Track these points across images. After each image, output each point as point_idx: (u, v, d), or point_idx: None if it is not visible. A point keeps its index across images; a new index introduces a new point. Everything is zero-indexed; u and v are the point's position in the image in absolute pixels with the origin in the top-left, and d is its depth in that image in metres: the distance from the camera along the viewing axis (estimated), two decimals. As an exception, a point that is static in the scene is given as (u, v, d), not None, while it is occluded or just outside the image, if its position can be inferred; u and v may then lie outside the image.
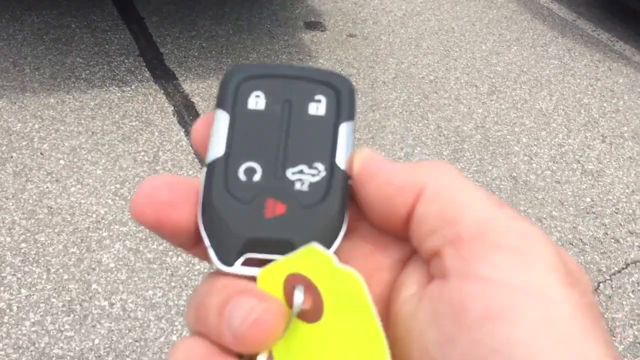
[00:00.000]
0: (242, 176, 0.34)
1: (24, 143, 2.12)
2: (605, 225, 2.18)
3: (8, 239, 1.83)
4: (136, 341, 1.65)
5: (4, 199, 1.93)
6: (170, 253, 1.86)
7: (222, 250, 0.33)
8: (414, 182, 0.32)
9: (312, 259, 0.31)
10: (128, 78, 2.51)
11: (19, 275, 1.75)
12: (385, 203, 0.32)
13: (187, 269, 1.81)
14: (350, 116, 0.37)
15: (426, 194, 0.31)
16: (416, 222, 0.31)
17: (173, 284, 1.77)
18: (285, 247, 0.33)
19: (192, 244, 0.34)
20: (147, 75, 2.54)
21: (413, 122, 2.51)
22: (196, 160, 2.16)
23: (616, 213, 2.22)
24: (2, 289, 1.71)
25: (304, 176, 0.34)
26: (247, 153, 0.35)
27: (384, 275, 0.34)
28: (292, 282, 0.32)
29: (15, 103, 2.29)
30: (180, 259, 1.84)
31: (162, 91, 2.47)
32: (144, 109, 2.36)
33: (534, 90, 2.81)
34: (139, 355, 1.63)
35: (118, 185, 2.03)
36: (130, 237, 1.88)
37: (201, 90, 2.51)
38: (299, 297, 0.31)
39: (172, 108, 2.39)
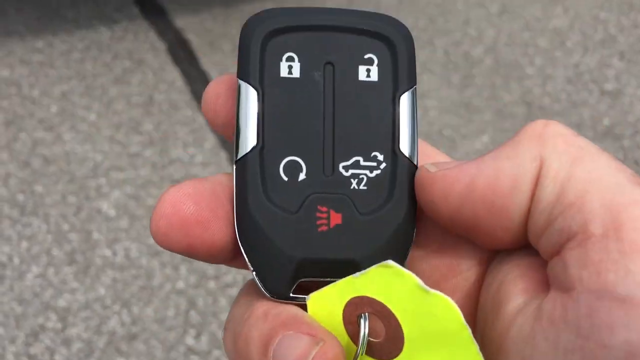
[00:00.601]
0: (283, 175, 0.28)
1: (14, 90, 2.03)
2: (625, 147, 2.08)
3: (4, 191, 1.77)
4: (142, 289, 1.61)
5: (-4, 150, 1.86)
6: (172, 198, 1.79)
7: (271, 277, 0.27)
8: (523, 166, 0.25)
9: (385, 279, 0.24)
10: (117, 16, 2.38)
11: (18, 228, 1.70)
12: (488, 208, 0.25)
13: (189, 213, 1.75)
14: (412, 81, 0.30)
15: (543, 174, 0.25)
16: (531, 214, 0.25)
17: (176, 230, 1.71)
18: (346, 267, 0.26)
19: (233, 258, 0.28)
20: (136, 12, 2.41)
21: (419, 49, 2.37)
22: (193, 100, 2.06)
23: (636, 134, 2.12)
24: (2, 241, 1.66)
25: (361, 171, 0.28)
26: (287, 143, 0.28)
27: (460, 281, 0.27)
28: (356, 308, 0.25)
29: (1, 48, 2.19)
30: (181, 203, 1.77)
31: (153, 29, 2.35)
32: (135, 48, 2.24)
33: (547, 8, 2.65)
34: (145, 303, 1.59)
35: (113, 130, 1.95)
36: (129, 184, 1.82)
37: (194, 25, 2.38)
38: (365, 327, 0.25)
39: (165, 46, 2.27)
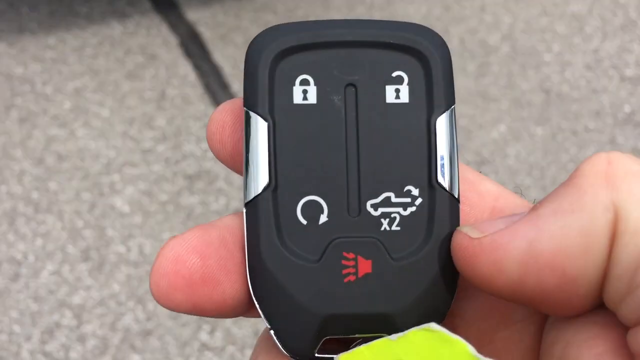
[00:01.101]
0: (301, 218, 0.24)
1: (27, 87, 2.04)
2: (647, 135, 2.03)
3: (19, 189, 1.78)
4: (156, 285, 1.61)
5: (11, 148, 1.87)
6: (185, 193, 1.79)
7: (293, 336, 0.24)
8: (595, 220, 0.20)
9: (429, 344, 0.21)
10: (129, 11, 2.37)
11: (33, 225, 1.70)
12: (558, 276, 0.21)
13: (202, 208, 1.75)
14: (449, 100, 0.26)
15: (620, 228, 0.20)
16: (608, 277, 0.21)
17: (189, 225, 1.70)
18: (378, 322, 0.23)
19: (247, 311, 0.25)
20: (148, 6, 2.40)
21: (434, 37, 2.34)
22: (206, 94, 2.05)
23: (658, 121, 2.07)
24: (17, 239, 1.67)
25: (393, 209, 0.24)
26: (304, 180, 0.25)
27: (513, 334, 0.23)
28: None
29: (14, 46, 2.19)
30: (194, 199, 1.77)
31: (165, 22, 2.34)
32: (148, 43, 2.24)
33: (565, -7, 2.59)
34: (159, 299, 1.59)
35: (126, 126, 1.95)
36: (142, 179, 1.81)
37: (206, 18, 2.36)
38: None
39: (177, 40, 2.26)
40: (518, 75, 2.18)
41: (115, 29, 2.29)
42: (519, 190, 0.31)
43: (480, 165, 1.89)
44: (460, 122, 2.02)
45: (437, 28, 2.37)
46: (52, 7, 2.37)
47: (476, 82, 2.15)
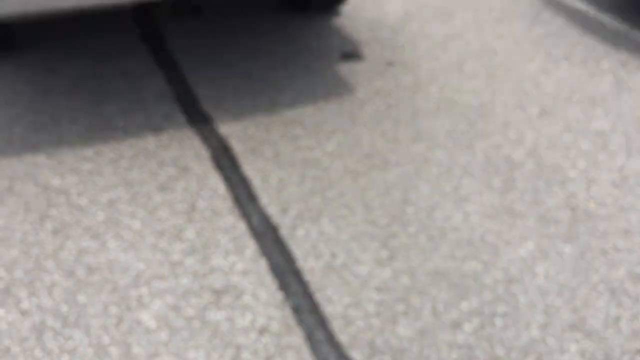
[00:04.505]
0: None
1: (62, 199, 2.10)
2: (679, 255, 2.00)
3: (48, 301, 1.79)
4: (179, 407, 1.57)
5: (43, 259, 1.90)
6: (212, 308, 1.78)
7: None
8: None
9: None
10: (164, 124, 2.47)
11: (60, 340, 1.70)
12: None
13: (228, 325, 1.73)
14: None
15: None
16: None
17: (215, 344, 1.68)
18: None
19: None
20: (182, 120, 2.51)
21: (459, 153, 2.38)
22: (236, 207, 2.09)
23: (690, 241, 2.04)
24: (44, 355, 1.66)
25: None
26: None
27: None
28: None
29: (53, 157, 2.28)
30: (220, 315, 1.76)
31: (198, 136, 2.43)
32: (181, 155, 2.31)
33: (588, 110, 2.65)
34: (182, 422, 1.55)
35: (156, 238, 1.98)
36: (170, 293, 1.82)
37: (238, 132, 2.45)
38: None
39: (209, 153, 2.34)
40: (543, 192, 2.20)
41: (150, 141, 2.38)
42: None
43: (508, 284, 1.87)
44: (487, 238, 2.02)
45: (462, 143, 2.43)
46: (91, 120, 2.49)
47: (502, 197, 2.16)
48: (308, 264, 1.91)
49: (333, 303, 1.79)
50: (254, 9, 3.41)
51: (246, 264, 1.92)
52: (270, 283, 1.85)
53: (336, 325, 1.73)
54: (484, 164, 2.32)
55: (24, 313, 1.75)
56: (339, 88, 2.76)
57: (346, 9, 3.47)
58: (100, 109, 2.56)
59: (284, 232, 2.01)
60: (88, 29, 3.15)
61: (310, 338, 1.70)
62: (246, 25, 3.25)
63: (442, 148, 2.40)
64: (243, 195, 2.15)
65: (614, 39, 3.23)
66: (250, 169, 2.27)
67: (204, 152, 2.34)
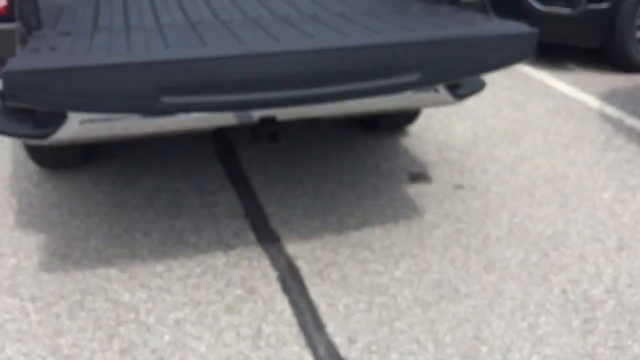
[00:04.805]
0: None
1: (131, 316, 2.11)
2: None
3: None
4: None
5: (107, 379, 1.89)
6: None
7: None
8: None
9: None
10: (234, 242, 2.50)
11: None
12: None
13: None
14: None
15: None
16: None
17: None
18: None
19: None
20: (252, 238, 2.53)
21: (534, 285, 2.29)
22: (301, 335, 2.05)
23: None
24: None
25: None
26: None
27: None
28: None
29: (125, 271, 2.32)
30: None
31: (266, 255, 2.43)
32: (248, 275, 2.31)
33: (669, 244, 2.53)
34: None
35: (221, 364, 1.94)
36: None
37: (305, 253, 2.44)
38: None
39: (276, 273, 2.33)
40: (627, 337, 2.06)
41: (219, 259, 2.40)
42: None
43: None
44: (568, 384, 1.88)
45: (536, 275, 2.34)
46: (164, 234, 2.55)
47: (582, 340, 2.03)
48: (376, 403, 1.82)
49: None
50: (325, 127, 3.51)
51: (311, 398, 1.85)
52: (335, 423, 1.77)
53: None
54: (561, 300, 2.21)
55: None
56: (408, 210, 2.75)
57: (414, 129, 3.53)
58: (174, 223, 2.62)
59: (351, 365, 1.94)
60: (165, 143, 3.30)
61: None
62: (317, 143, 3.34)
63: (516, 280, 2.32)
64: (309, 321, 2.11)
65: (692, 168, 3.13)
66: (317, 293, 2.23)
67: (271, 273, 2.33)
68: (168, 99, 1.70)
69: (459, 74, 1.95)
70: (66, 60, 1.64)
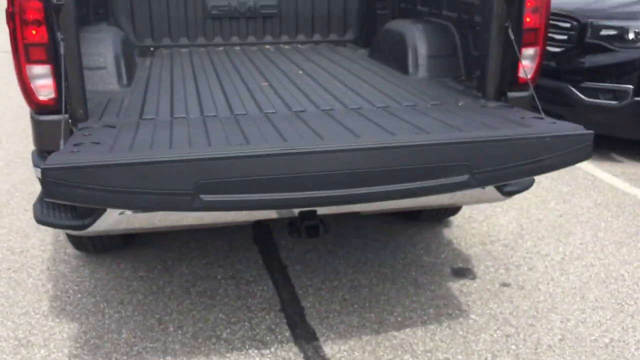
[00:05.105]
0: None
1: (158, 418, 2.00)
2: None
3: None
4: None
5: None
6: None
7: None
8: None
9: None
10: (268, 338, 2.40)
11: None
12: None
13: None
14: None
15: None
16: None
17: None
18: None
19: None
20: (287, 334, 2.42)
21: (591, 401, 2.11)
22: None
23: None
24: None
25: None
26: None
27: None
28: None
29: (155, 367, 2.23)
30: None
31: (302, 354, 2.32)
32: (283, 377, 2.19)
33: None
34: None
35: None
36: None
37: (343, 354, 2.32)
38: None
39: (312, 376, 2.21)
40: None
41: (252, 357, 2.29)
42: None
43: None
44: None
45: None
46: (196, 327, 2.46)
47: None
48: None
49: None
50: (364, 215, 3.44)
51: None
52: None
53: None
54: (621, 419, 2.02)
55: None
56: (451, 309, 2.61)
57: (456, 220, 3.43)
58: (207, 315, 2.54)
59: None
60: (203, 228, 3.26)
61: None
62: (355, 232, 3.26)
63: (570, 394, 2.14)
64: None
65: None
66: (355, 400, 2.10)
67: (306, 375, 2.21)
68: (207, 197, 1.66)
69: (510, 176, 1.87)
70: (106, 157, 1.63)
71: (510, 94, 2.42)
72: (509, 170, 1.83)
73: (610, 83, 4.28)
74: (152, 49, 3.89)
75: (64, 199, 1.60)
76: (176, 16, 3.91)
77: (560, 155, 1.87)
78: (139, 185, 1.60)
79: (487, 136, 1.86)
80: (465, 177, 1.80)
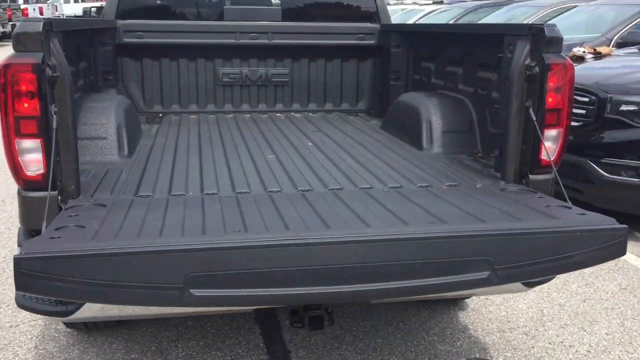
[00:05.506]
0: None
1: None
2: None
3: None
4: None
5: None
6: None
7: None
8: None
9: None
10: None
11: None
12: None
13: None
14: None
15: None
16: None
17: None
18: None
19: None
20: None
21: None
22: None
23: None
24: None
25: None
26: None
27: None
28: None
29: None
30: None
31: None
32: None
33: None
34: None
35: None
36: None
37: None
38: None
39: None
40: None
41: None
42: None
43: None
44: None
45: None
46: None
47: None
48: None
49: None
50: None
51: None
52: None
53: None
54: None
55: None
56: (467, 407, 2.38)
57: (472, 303, 3.22)
58: (200, 408, 2.33)
59: None
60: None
61: None
62: (364, 314, 3.06)
63: None
64: None
65: None
66: None
67: None
68: (198, 292, 1.50)
69: (535, 273, 1.69)
70: (86, 246, 1.48)
71: (532, 177, 2.27)
72: (534, 267, 1.66)
73: (632, 160, 4.12)
74: (160, 115, 3.81)
75: (38, 292, 1.45)
76: (186, 83, 3.85)
77: (591, 252, 1.69)
78: (122, 278, 1.45)
79: (510, 228, 1.70)
80: (485, 274, 1.63)
